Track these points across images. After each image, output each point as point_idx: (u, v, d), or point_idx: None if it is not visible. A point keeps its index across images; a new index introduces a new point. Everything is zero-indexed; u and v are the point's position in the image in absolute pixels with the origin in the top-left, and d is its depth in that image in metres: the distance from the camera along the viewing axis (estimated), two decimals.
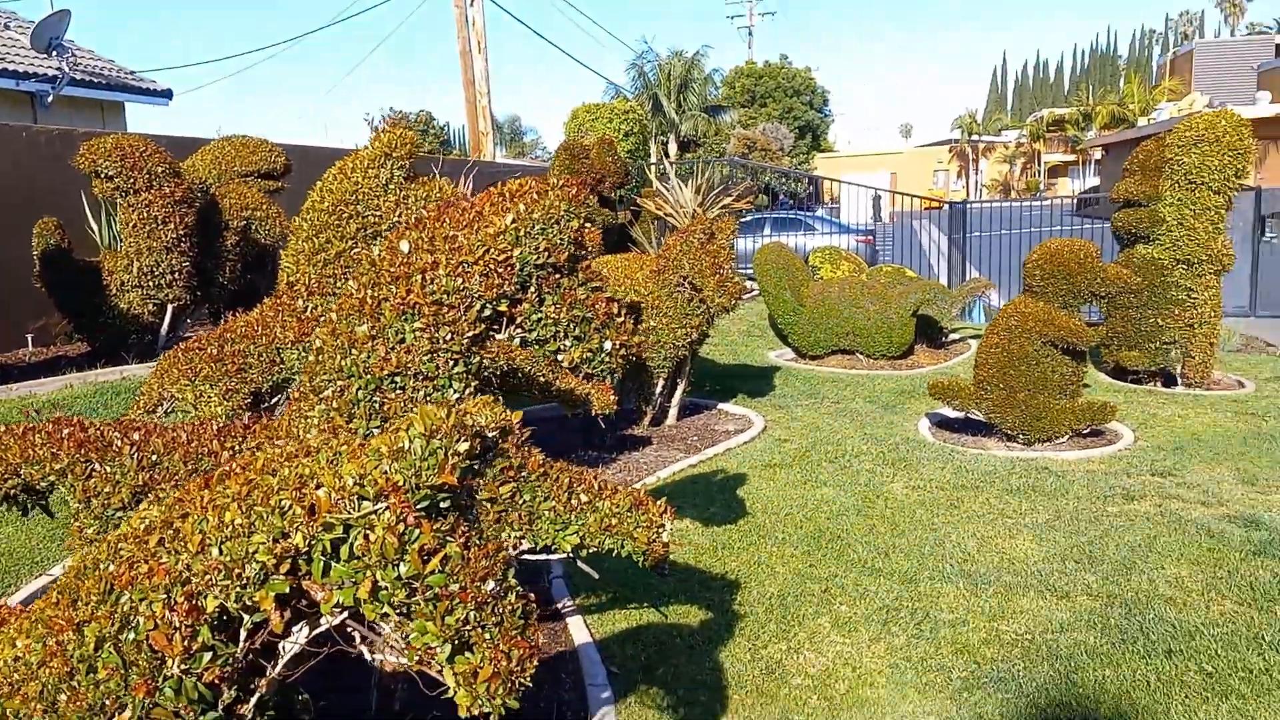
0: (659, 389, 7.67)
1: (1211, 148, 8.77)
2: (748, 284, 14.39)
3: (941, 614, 4.15)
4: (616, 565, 3.43)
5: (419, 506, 1.82)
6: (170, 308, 8.92)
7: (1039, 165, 71.30)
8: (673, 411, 7.92)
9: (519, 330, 3.21)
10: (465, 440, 2.04)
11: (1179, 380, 9.19)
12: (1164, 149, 9.21)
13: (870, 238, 20.20)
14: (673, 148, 31.04)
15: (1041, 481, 6.10)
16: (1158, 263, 8.99)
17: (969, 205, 15.65)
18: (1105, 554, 4.79)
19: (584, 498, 3.13)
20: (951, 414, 7.95)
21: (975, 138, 73.91)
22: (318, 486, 1.78)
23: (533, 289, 3.16)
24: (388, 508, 1.75)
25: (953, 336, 11.93)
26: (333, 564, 1.75)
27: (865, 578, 4.57)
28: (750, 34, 55.70)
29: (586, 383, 6.29)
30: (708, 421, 8.03)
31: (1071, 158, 67.75)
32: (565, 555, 3.18)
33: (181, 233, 8.58)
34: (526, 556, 3.21)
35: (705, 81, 31.88)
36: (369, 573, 1.72)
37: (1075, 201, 44.17)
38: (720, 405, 8.49)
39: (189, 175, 9.58)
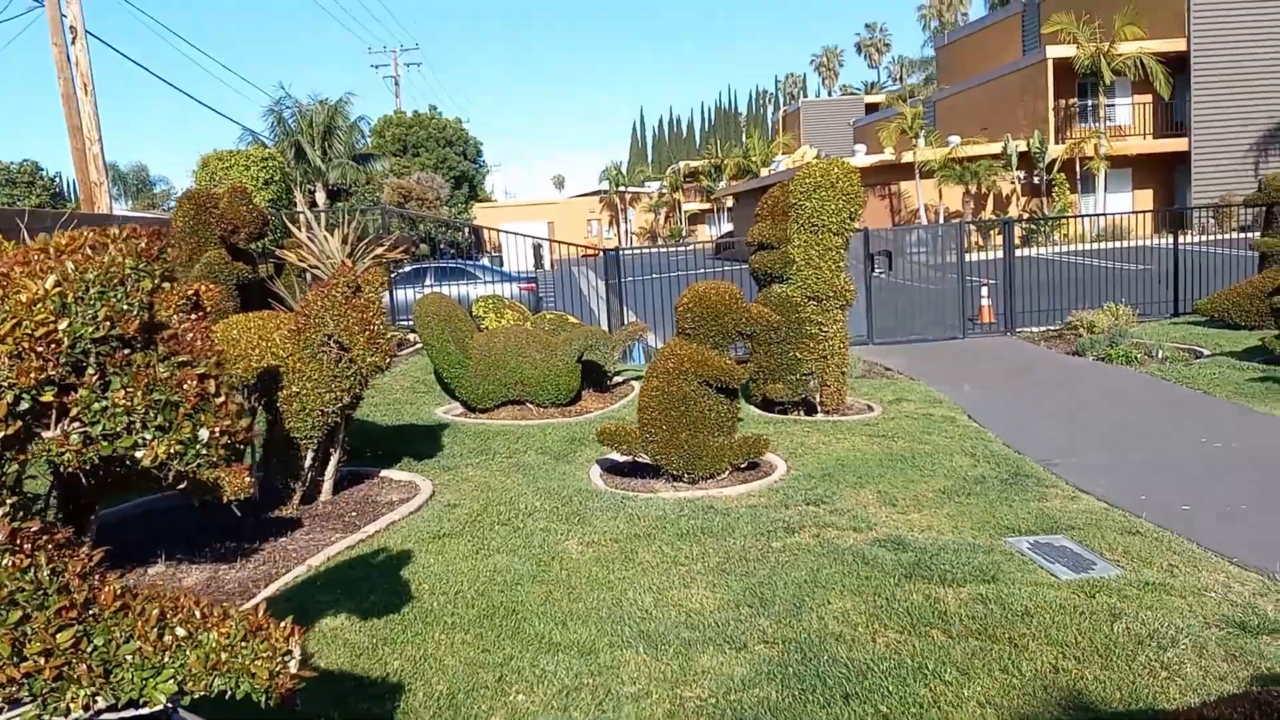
0: (308, 463, 6.88)
1: (828, 193, 9.55)
2: (410, 336, 13.74)
3: (624, 688, 3.87)
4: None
5: None
6: None
7: (680, 213, 76.68)
8: (327, 485, 7.15)
9: (76, 424, 2.49)
10: None
11: (819, 408, 9.86)
12: (788, 195, 9.91)
13: (534, 285, 20.30)
14: (321, 196, 29.51)
15: (710, 522, 6.11)
16: (791, 300, 9.61)
17: (620, 252, 16.15)
18: (775, 594, 4.79)
19: (181, 631, 2.48)
20: (621, 458, 7.90)
21: (622, 188, 78.08)
22: None
23: (92, 370, 2.47)
24: None
25: (617, 379, 12.09)
26: None
27: (543, 656, 4.20)
28: (397, 84, 54.91)
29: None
30: (369, 492, 7.33)
31: (708, 206, 73.57)
32: (162, 706, 2.50)
33: None
34: (106, 716, 2.49)
35: (351, 129, 30.71)
36: None
37: (715, 246, 47.90)
38: (383, 472, 7.82)
39: None
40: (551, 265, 26.38)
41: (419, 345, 11.88)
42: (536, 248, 24.27)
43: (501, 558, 5.54)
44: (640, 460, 7.58)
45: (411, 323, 11.55)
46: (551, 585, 5.08)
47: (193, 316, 5.47)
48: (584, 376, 10.85)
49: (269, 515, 6.73)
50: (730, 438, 7.44)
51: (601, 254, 16.47)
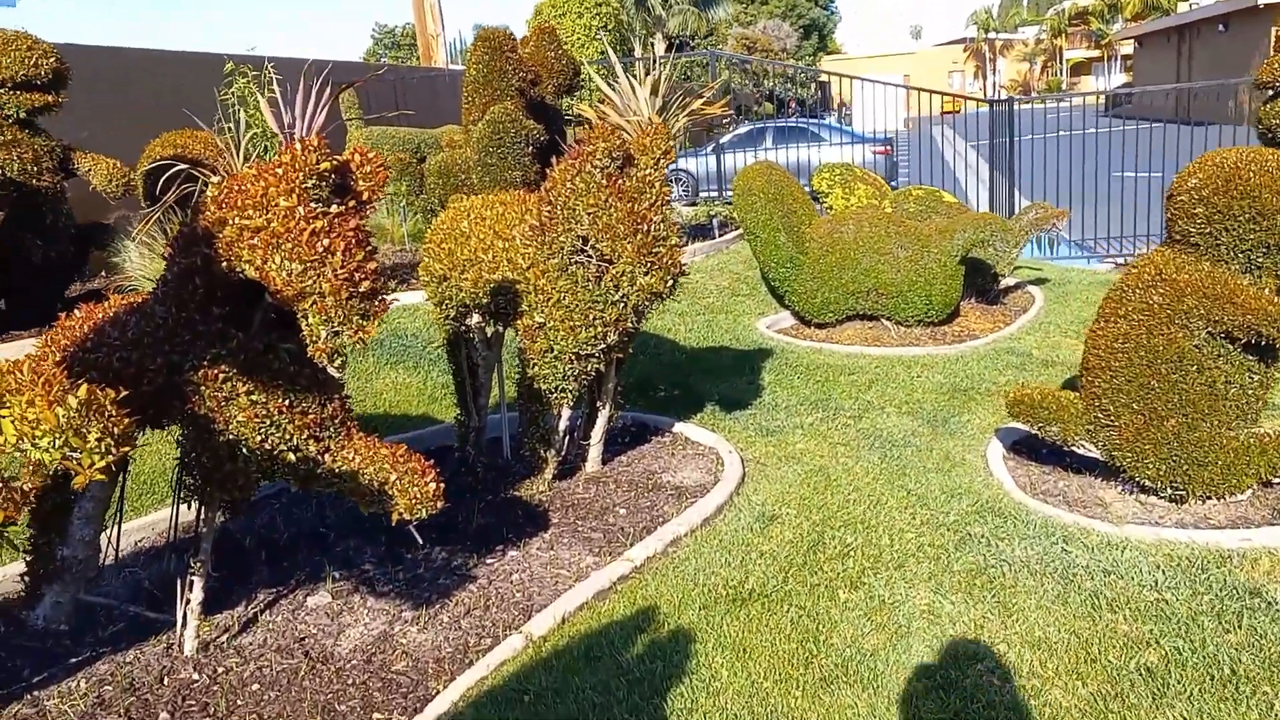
0: (563, 424, 4.65)
1: None
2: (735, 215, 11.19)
3: None
4: None
5: None
6: None
7: (1061, 63, 66.63)
8: (594, 453, 4.90)
9: None
10: None
11: None
12: None
13: (888, 148, 16.90)
14: (660, 47, 27.30)
15: (1272, 649, 3.07)
16: None
17: (1016, 105, 12.27)
18: None
19: None
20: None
21: (992, 34, 69.15)
22: None
23: None
24: None
25: (1007, 282, 8.84)
26: None
27: None
28: None
29: (388, 459, 3.19)
30: (651, 465, 5.00)
31: (1096, 53, 63.23)
32: None
33: None
34: None
35: None
36: None
37: (1107, 100, 40.14)
38: (677, 426, 5.46)
39: None
40: (906, 124, 22.48)
41: (740, 231, 9.30)
42: (841, 106, 20.32)
43: (849, 692, 2.93)
44: (1082, 450, 4.60)
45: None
46: None
47: (333, 208, 3.21)
48: (964, 280, 7.78)
49: (510, 494, 4.62)
50: (1257, 432, 4.22)
51: (989, 107, 12.74)
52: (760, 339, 7.27)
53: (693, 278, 8.65)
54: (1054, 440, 4.62)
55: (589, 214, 3.96)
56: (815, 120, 21.42)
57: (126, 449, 2.15)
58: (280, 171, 2.91)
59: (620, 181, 3.96)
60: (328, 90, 7.30)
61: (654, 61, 9.52)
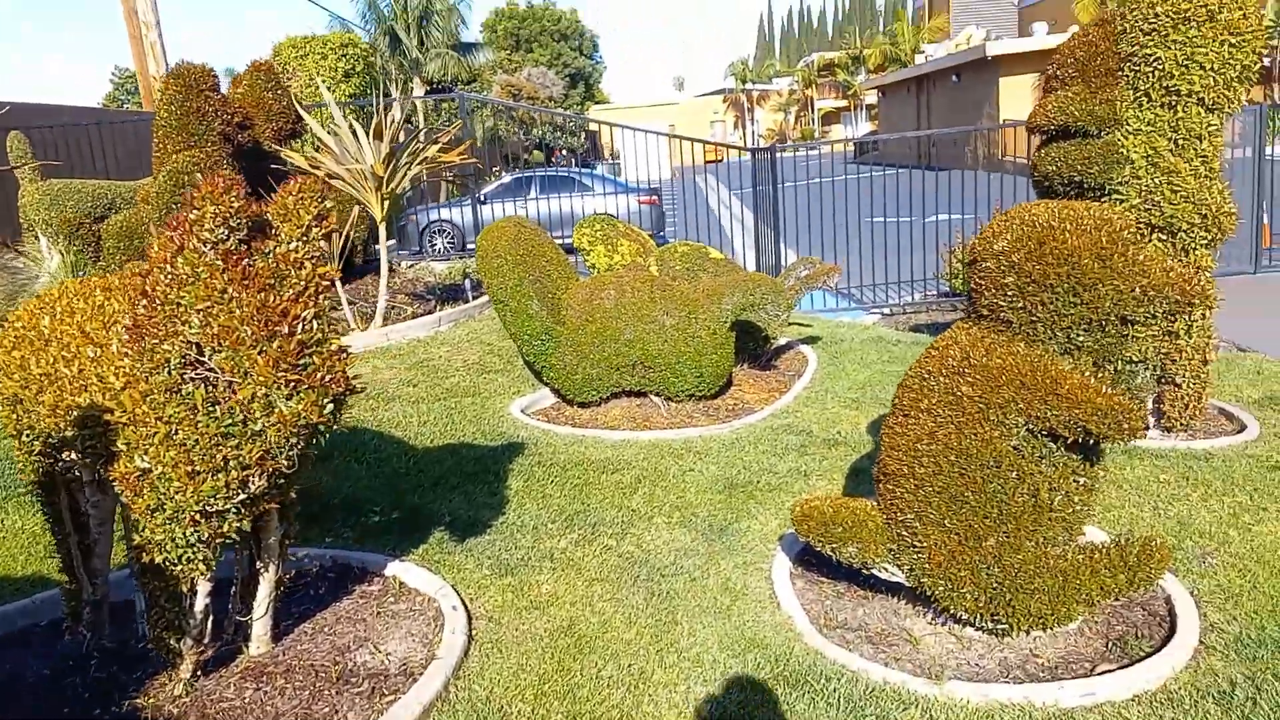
0: (201, 600, 3.26)
1: (1201, 31, 5.19)
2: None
3: None
4: None
5: None
6: None
7: (813, 112, 70.61)
8: (258, 629, 3.53)
9: None
10: None
11: (1157, 422, 5.73)
12: (1116, 40, 5.55)
13: (656, 198, 16.43)
14: (419, 92, 25.89)
15: None
16: None
17: (779, 152, 11.88)
18: None
19: None
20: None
21: (750, 85, 72.47)
22: None
23: None
24: None
25: (778, 342, 8.17)
26: None
27: None
28: None
29: None
30: (345, 635, 3.68)
31: (844, 104, 67.39)
32: None
33: None
34: None
35: (450, 12, 26.63)
36: None
37: (855, 148, 42.38)
38: (391, 567, 4.17)
39: None
40: (671, 173, 22.35)
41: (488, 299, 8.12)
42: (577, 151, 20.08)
43: None
44: (885, 574, 3.73)
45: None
46: None
47: None
48: (735, 346, 6.99)
49: (131, 702, 3.19)
50: (1086, 547, 3.49)
51: (750, 155, 12.34)
52: (512, 428, 6.11)
53: (435, 353, 7.39)
54: (850, 563, 3.72)
55: (199, 311, 2.67)
56: (581, 169, 20.80)
57: None
58: None
59: (248, 262, 2.69)
60: None
61: (383, 106, 8.28)
